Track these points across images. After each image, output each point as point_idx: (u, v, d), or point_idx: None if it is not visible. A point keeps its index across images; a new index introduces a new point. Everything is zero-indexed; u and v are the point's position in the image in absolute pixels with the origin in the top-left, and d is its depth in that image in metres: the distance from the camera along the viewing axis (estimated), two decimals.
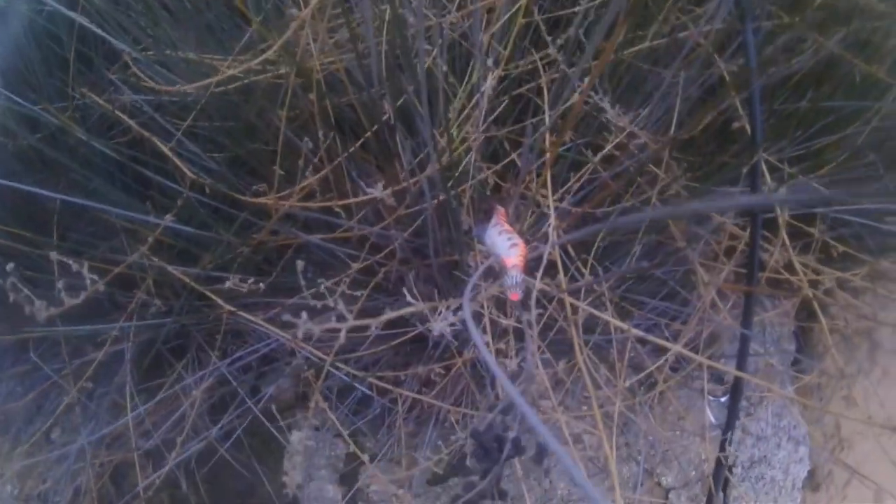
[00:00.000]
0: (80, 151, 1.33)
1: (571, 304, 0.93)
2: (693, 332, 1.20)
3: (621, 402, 0.97)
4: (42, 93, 1.34)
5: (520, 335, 0.97)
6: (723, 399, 1.48)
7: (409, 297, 0.82)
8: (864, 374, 1.90)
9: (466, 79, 0.96)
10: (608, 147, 0.98)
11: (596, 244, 1.14)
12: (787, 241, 1.11)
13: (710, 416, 1.25)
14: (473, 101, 0.89)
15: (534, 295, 0.75)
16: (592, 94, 0.98)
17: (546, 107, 0.93)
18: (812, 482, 1.93)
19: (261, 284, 1.01)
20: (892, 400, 1.81)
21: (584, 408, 0.92)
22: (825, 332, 1.18)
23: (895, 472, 1.38)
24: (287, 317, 0.79)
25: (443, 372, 1.20)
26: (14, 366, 1.65)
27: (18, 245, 1.31)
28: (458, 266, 1.11)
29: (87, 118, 1.37)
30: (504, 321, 0.91)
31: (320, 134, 1.00)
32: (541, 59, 1.04)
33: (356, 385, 1.33)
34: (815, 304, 1.14)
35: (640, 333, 0.89)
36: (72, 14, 1.23)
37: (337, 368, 1.13)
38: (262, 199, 1.06)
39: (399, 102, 0.88)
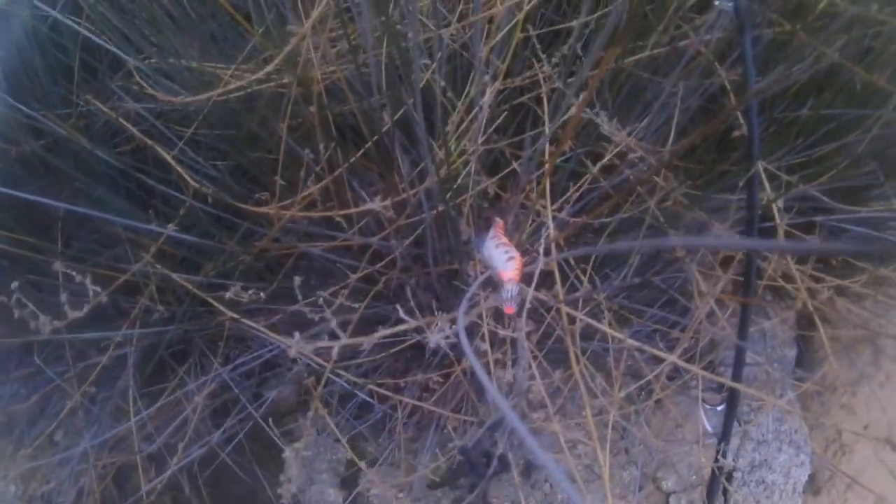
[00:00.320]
0: (84, 158, 1.34)
1: (568, 314, 0.94)
2: (690, 341, 1.20)
3: (619, 409, 0.97)
4: (46, 100, 1.35)
5: (517, 345, 0.98)
6: (719, 408, 1.48)
7: (402, 314, 0.82)
8: (867, 378, 1.90)
9: (465, 91, 0.97)
10: (606, 157, 0.99)
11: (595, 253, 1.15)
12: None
13: (707, 425, 1.25)
14: (472, 114, 0.89)
15: (525, 311, 0.75)
16: (588, 109, 0.99)
17: (546, 118, 0.94)
18: (813, 486, 1.93)
19: (261, 294, 1.02)
20: (894, 406, 1.81)
21: (584, 412, 0.92)
22: (824, 341, 1.17)
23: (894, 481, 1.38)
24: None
25: (441, 380, 1.20)
26: (18, 368, 1.66)
27: (24, 251, 1.32)
28: (458, 275, 1.12)
29: (91, 126, 1.38)
30: (502, 332, 0.91)
31: (321, 147, 1.00)
32: (541, 68, 1.04)
33: (356, 392, 1.33)
34: (814, 315, 1.14)
35: (636, 344, 0.90)
36: (74, 24, 1.24)
37: (338, 375, 1.14)
38: (263, 209, 1.07)
39: (398, 115, 0.88)
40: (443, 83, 0.90)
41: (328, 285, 1.15)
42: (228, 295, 1.00)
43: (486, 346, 0.98)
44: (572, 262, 1.12)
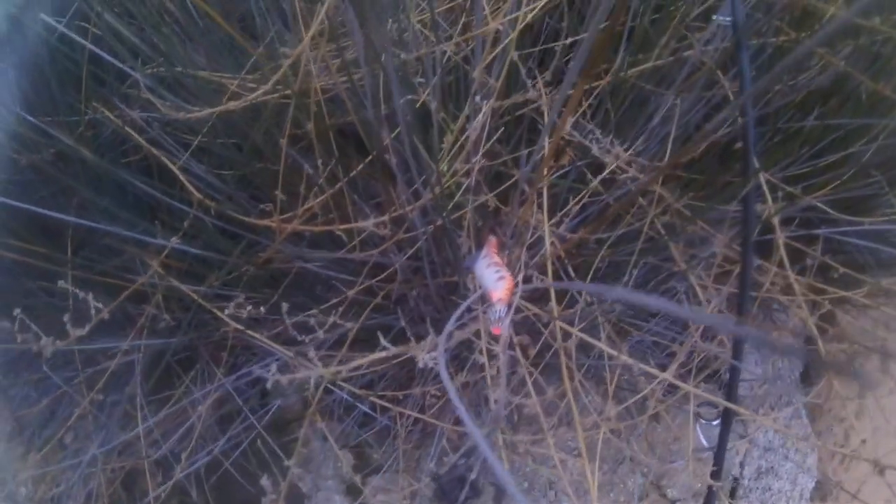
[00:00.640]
0: (92, 166, 1.35)
1: (563, 330, 0.94)
2: (687, 354, 1.20)
3: (613, 424, 0.97)
4: (56, 108, 1.36)
5: (512, 362, 0.98)
6: (715, 422, 1.48)
7: (383, 342, 0.83)
8: (875, 384, 1.89)
9: (463, 109, 0.97)
10: (604, 173, 0.99)
11: (595, 265, 1.15)
12: (787, 263, 1.11)
13: (703, 440, 1.25)
14: (466, 133, 0.90)
15: (505, 337, 0.76)
16: (577, 130, 0.99)
17: (545, 130, 0.94)
18: (820, 493, 1.93)
19: (262, 308, 1.03)
20: None
21: (577, 428, 0.92)
22: (823, 354, 1.17)
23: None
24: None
25: (438, 393, 1.21)
26: (28, 372, 1.68)
27: (32, 260, 1.34)
28: (456, 289, 1.12)
29: (99, 135, 1.39)
30: (496, 348, 0.92)
31: (319, 162, 1.01)
32: (534, 86, 1.04)
33: (357, 404, 1.34)
34: (814, 329, 1.14)
35: (630, 361, 0.90)
36: (81, 35, 1.25)
37: (339, 388, 1.15)
38: (265, 221, 1.08)
39: (395, 133, 0.89)
40: (435, 104, 0.91)
41: (330, 296, 1.16)
42: (228, 312, 1.01)
43: (484, 357, 0.99)
44: (572, 274, 1.13)
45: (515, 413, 1.11)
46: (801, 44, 1.22)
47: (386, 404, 1.12)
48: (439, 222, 1.00)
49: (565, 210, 1.06)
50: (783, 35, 1.26)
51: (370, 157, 1.04)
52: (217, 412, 1.52)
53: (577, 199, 1.06)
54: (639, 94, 1.22)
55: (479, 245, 1.03)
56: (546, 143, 0.84)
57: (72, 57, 1.34)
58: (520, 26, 0.87)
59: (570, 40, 0.94)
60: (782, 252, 1.06)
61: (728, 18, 0.90)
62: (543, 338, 1.00)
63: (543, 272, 1.01)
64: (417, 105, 0.98)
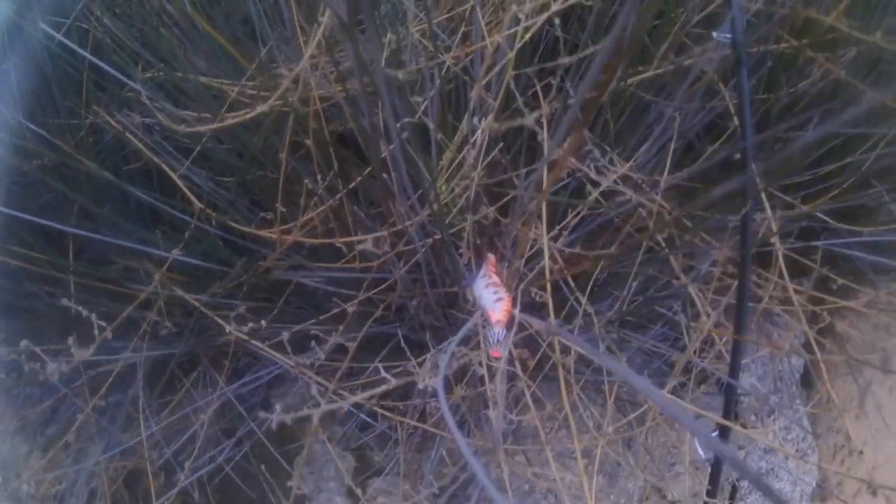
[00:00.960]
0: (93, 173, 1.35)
1: (562, 345, 0.95)
2: (690, 356, 1.21)
3: (611, 436, 0.98)
4: (57, 113, 1.36)
5: (512, 377, 0.99)
6: (714, 434, 1.48)
7: (384, 374, 0.84)
8: (877, 383, 1.89)
9: (462, 120, 0.97)
10: (601, 187, 0.99)
11: (594, 275, 1.15)
12: (786, 276, 1.11)
13: (701, 452, 1.26)
14: (464, 151, 0.90)
15: (503, 363, 0.76)
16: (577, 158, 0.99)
17: (545, 146, 0.94)
18: (820, 494, 1.93)
19: (262, 322, 1.03)
20: None
21: (574, 442, 0.93)
22: (822, 368, 1.18)
23: None
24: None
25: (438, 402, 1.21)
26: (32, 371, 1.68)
27: (33, 267, 1.34)
28: (456, 299, 1.13)
29: (100, 140, 1.40)
30: (495, 364, 0.92)
31: (319, 177, 1.01)
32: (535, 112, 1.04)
33: (358, 413, 1.35)
34: (813, 341, 1.14)
35: (625, 378, 0.90)
36: (81, 38, 1.25)
37: (340, 396, 1.15)
38: (265, 232, 1.08)
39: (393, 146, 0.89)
40: (433, 125, 0.91)
41: (330, 306, 1.16)
42: (229, 330, 1.02)
43: (483, 370, 0.99)
44: (571, 285, 1.13)
45: (515, 421, 1.11)
46: (802, 51, 1.22)
47: (386, 413, 1.13)
48: (438, 236, 1.00)
49: (564, 223, 1.06)
50: (784, 42, 1.26)
51: (369, 169, 1.05)
52: (219, 416, 1.52)
53: (575, 212, 1.07)
54: (638, 103, 1.21)
55: (478, 256, 1.03)
56: (545, 175, 0.84)
57: (72, 62, 1.34)
58: (518, 44, 0.86)
59: (567, 60, 0.93)
60: (782, 265, 1.06)
61: (727, 35, 0.90)
62: (542, 350, 1.01)
63: (542, 286, 1.01)
64: (416, 117, 0.98)
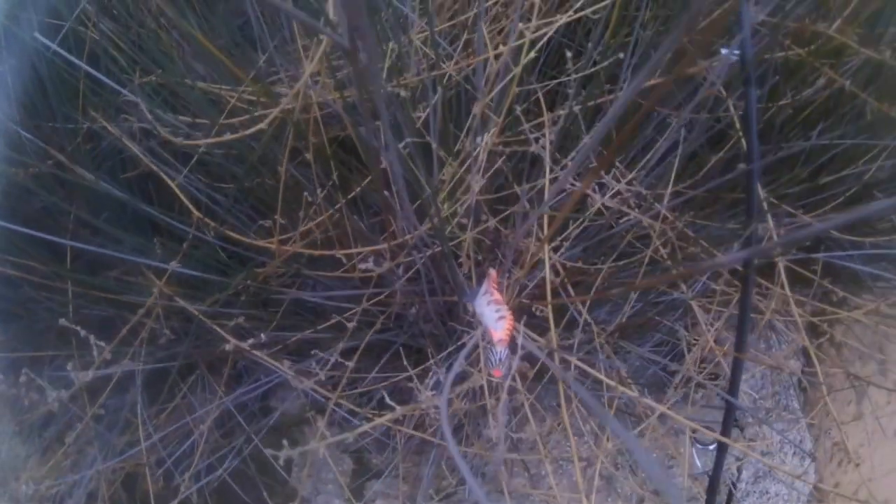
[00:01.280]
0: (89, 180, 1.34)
1: (562, 359, 0.95)
2: (692, 363, 1.21)
3: (610, 449, 0.98)
4: (53, 119, 1.35)
5: (512, 391, 0.98)
6: (711, 447, 1.48)
7: (388, 400, 0.83)
8: (875, 388, 1.89)
9: (458, 143, 0.97)
10: (603, 199, 0.98)
11: (594, 287, 1.15)
12: (788, 288, 1.11)
13: (697, 464, 1.26)
14: (465, 166, 0.89)
15: (508, 378, 0.76)
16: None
17: (546, 167, 0.94)
18: (817, 496, 1.93)
19: (262, 336, 1.03)
20: None
21: (574, 455, 0.93)
22: (822, 383, 1.18)
23: None
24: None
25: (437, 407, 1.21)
26: (31, 371, 1.68)
27: (32, 277, 1.34)
28: (456, 308, 1.12)
29: (97, 146, 1.38)
30: (495, 380, 0.92)
31: (318, 190, 1.01)
32: (538, 136, 1.03)
33: (357, 421, 1.35)
34: (812, 354, 1.14)
35: (629, 393, 0.90)
36: (74, 59, 1.24)
37: (340, 405, 1.15)
38: (264, 243, 1.08)
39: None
40: (435, 144, 0.90)
41: (330, 316, 1.16)
42: (228, 347, 1.01)
43: (480, 381, 0.99)
44: (571, 294, 1.13)
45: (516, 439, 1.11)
46: (807, 60, 1.21)
47: (386, 423, 1.13)
48: (438, 249, 1.00)
49: (565, 234, 1.06)
50: (790, 50, 1.25)
51: (368, 179, 1.04)
52: (219, 425, 1.52)
53: (577, 223, 1.06)
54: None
55: (479, 266, 1.03)
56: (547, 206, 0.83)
57: (67, 68, 1.33)
58: (523, 61, 0.86)
59: (573, 77, 0.93)
60: (783, 279, 1.06)
61: (736, 53, 0.89)
62: (541, 362, 1.00)
63: (543, 296, 1.01)
64: (417, 125, 0.97)
